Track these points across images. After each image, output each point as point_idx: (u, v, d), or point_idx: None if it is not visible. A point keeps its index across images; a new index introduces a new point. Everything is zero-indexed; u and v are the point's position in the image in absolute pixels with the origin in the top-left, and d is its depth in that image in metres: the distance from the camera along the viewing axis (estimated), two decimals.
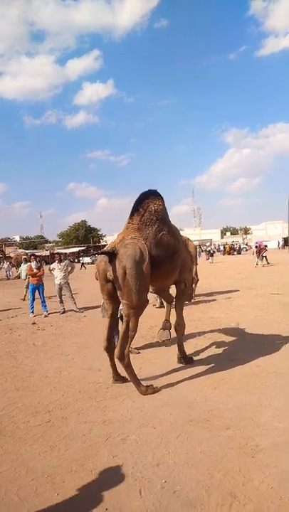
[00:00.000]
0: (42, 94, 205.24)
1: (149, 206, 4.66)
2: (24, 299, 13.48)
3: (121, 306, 4.68)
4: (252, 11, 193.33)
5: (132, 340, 4.46)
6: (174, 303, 5.62)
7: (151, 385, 4.48)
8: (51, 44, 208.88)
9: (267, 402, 3.96)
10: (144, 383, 4.52)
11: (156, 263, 4.46)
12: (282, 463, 2.88)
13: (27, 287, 13.92)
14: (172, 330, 5.66)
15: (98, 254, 4.52)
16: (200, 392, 4.31)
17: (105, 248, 4.63)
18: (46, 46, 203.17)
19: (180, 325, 5.39)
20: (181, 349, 5.42)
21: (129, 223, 4.64)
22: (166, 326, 5.80)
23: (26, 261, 15.44)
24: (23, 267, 14.82)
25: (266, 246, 27.48)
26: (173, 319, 5.58)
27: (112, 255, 4.32)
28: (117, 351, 4.37)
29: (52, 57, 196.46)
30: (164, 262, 4.60)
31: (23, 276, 14.70)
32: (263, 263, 24.02)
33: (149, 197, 4.75)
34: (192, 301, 7.77)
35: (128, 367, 4.38)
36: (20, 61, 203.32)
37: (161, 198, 4.88)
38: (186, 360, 5.40)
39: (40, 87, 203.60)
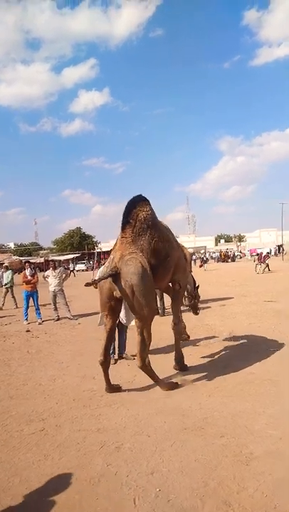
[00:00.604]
0: (37, 102, 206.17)
1: (138, 216, 4.63)
2: (1, 308, 13.57)
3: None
4: (246, 21, 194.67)
5: (148, 348, 4.60)
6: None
7: (175, 382, 4.78)
8: (47, 52, 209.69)
9: (261, 409, 3.96)
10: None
11: (153, 268, 4.53)
12: (277, 471, 2.88)
13: (4, 296, 13.98)
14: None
15: (103, 279, 4.52)
16: (194, 400, 4.31)
17: (106, 267, 4.69)
18: (42, 54, 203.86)
19: (177, 325, 5.44)
20: (177, 352, 5.46)
21: (122, 237, 4.62)
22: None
23: (7, 269, 15.42)
24: (5, 275, 14.88)
25: (268, 253, 27.96)
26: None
27: (116, 275, 4.38)
28: (138, 362, 4.49)
29: (47, 65, 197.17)
30: (158, 267, 4.69)
31: (4, 281, 14.80)
32: (262, 270, 24.34)
33: (136, 205, 4.70)
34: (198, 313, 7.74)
35: (150, 374, 4.57)
36: (15, 68, 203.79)
37: (148, 201, 4.85)
38: (180, 366, 5.42)
39: (35, 94, 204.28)
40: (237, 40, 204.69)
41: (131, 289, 4.25)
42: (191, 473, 2.90)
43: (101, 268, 5.27)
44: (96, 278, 4.82)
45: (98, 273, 6.09)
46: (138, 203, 4.75)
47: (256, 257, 27.44)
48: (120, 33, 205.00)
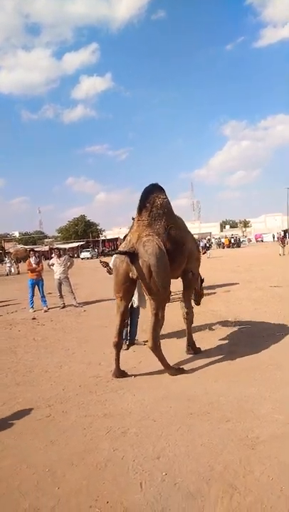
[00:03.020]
0: (39, 89, 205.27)
1: (155, 201, 4.80)
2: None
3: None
4: (249, 0, 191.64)
5: (160, 330, 4.64)
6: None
7: (181, 368, 4.83)
8: (47, 37, 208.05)
9: (267, 394, 3.96)
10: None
11: (169, 254, 4.60)
12: (283, 454, 2.88)
13: None
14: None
15: (119, 254, 4.59)
16: (200, 385, 4.32)
17: (122, 247, 4.71)
18: (42, 39, 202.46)
19: (188, 314, 5.53)
20: (189, 338, 5.57)
21: (138, 220, 4.74)
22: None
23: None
24: None
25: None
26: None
27: (133, 255, 4.42)
28: (150, 343, 4.52)
29: (48, 51, 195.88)
30: (174, 254, 4.78)
31: None
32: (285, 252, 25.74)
33: (154, 191, 4.88)
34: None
35: (160, 356, 4.59)
36: (16, 55, 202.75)
37: (164, 190, 5.02)
38: (194, 349, 5.54)
39: (36, 81, 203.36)
40: (240, 21, 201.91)
41: (148, 269, 4.32)
42: (197, 458, 2.91)
43: (113, 257, 5.29)
44: (114, 252, 4.88)
45: (112, 260, 6.09)
46: (155, 190, 4.93)
47: (279, 241, 29.22)
48: (121, 16, 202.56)
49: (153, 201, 4.78)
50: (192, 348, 5.55)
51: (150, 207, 4.74)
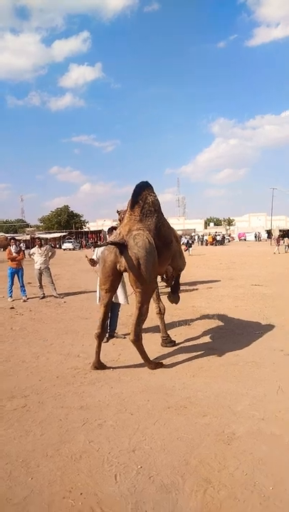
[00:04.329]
0: (26, 74, 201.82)
1: (147, 198, 4.91)
2: None
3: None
4: None
5: (143, 324, 4.64)
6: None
7: (160, 362, 4.85)
8: (37, 22, 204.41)
9: (244, 390, 4.00)
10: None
11: (157, 250, 4.67)
12: (258, 450, 2.91)
13: None
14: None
15: (109, 245, 4.55)
16: (178, 380, 4.32)
17: (113, 239, 4.70)
18: (32, 24, 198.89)
19: (174, 295, 6.20)
20: (164, 330, 5.74)
21: (131, 215, 4.80)
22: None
23: None
24: None
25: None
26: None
27: (122, 246, 4.43)
28: (132, 336, 4.51)
29: (38, 36, 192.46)
30: (162, 251, 4.88)
31: None
32: (280, 250, 27.72)
33: (145, 189, 5.00)
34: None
35: (141, 349, 4.60)
36: (3, 37, 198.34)
37: (153, 189, 5.15)
38: (169, 341, 5.71)
39: (24, 66, 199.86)
40: (234, 18, 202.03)
41: (137, 262, 4.35)
42: (173, 451, 2.92)
43: (100, 248, 5.29)
44: (103, 243, 4.85)
45: (95, 253, 6.06)
46: (146, 187, 5.06)
47: (275, 241, 32.18)
48: (114, 6, 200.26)
49: (145, 198, 4.87)
50: (167, 340, 5.69)
51: (142, 203, 4.82)
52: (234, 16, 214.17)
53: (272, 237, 41.57)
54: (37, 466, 2.78)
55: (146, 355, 4.66)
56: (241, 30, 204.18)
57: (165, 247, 5.04)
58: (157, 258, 4.64)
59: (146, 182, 5.11)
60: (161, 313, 5.77)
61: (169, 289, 6.53)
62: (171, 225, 6.26)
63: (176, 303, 6.31)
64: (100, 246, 4.72)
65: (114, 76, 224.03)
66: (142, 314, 4.53)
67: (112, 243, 4.49)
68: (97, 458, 2.86)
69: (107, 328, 6.09)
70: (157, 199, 5.09)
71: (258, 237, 63.09)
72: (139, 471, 2.68)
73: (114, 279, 4.68)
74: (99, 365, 4.70)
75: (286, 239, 31.46)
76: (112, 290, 4.77)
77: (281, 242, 30.43)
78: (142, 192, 4.90)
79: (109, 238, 4.95)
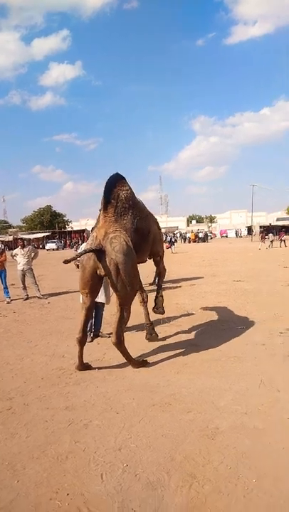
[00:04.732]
0: (6, 73, 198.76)
1: (119, 195, 4.74)
2: None
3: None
4: None
5: (124, 326, 4.64)
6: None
7: (145, 360, 4.88)
8: (16, 20, 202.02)
9: (227, 385, 4.07)
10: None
11: (136, 246, 4.63)
12: (241, 444, 2.97)
13: None
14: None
15: (87, 253, 4.48)
16: (162, 377, 4.37)
17: (89, 244, 4.63)
18: (11, 22, 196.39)
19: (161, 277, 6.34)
20: (147, 320, 5.89)
21: (105, 216, 4.67)
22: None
23: None
24: None
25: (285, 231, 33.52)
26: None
27: (100, 252, 4.37)
28: (114, 339, 4.50)
29: (17, 34, 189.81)
30: (141, 244, 4.91)
31: None
32: (266, 246, 28.84)
33: (116, 185, 4.81)
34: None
35: (124, 350, 4.60)
36: None
37: (125, 179, 4.98)
38: (152, 331, 5.84)
39: (3, 64, 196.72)
40: (212, 16, 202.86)
41: (115, 267, 4.29)
42: (159, 448, 2.95)
43: (83, 245, 5.24)
44: (78, 253, 4.75)
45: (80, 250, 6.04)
46: (117, 181, 4.86)
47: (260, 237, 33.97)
48: (93, 3, 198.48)
49: (117, 195, 4.72)
50: (150, 330, 5.85)
51: (115, 202, 4.68)
52: (212, 14, 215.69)
53: (253, 233, 42.40)
54: (23, 469, 2.79)
55: (130, 356, 4.67)
56: (219, 28, 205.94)
57: (143, 240, 5.07)
58: (136, 251, 4.61)
59: (117, 175, 4.94)
60: (144, 301, 5.85)
61: (152, 287, 6.58)
62: None
63: (163, 312, 6.29)
64: (78, 256, 4.61)
65: (94, 74, 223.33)
66: (123, 317, 4.51)
67: (89, 251, 4.43)
68: (83, 458, 2.88)
69: (92, 328, 6.10)
70: (130, 192, 4.91)
71: (238, 234, 63.79)
72: (125, 470, 2.71)
73: (94, 283, 4.64)
74: (83, 368, 4.70)
75: (270, 235, 31.96)
76: (93, 294, 4.72)
77: (266, 238, 30.94)
78: (113, 190, 4.74)
79: (86, 243, 4.89)
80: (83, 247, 5.74)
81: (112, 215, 4.64)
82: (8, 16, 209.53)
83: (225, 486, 2.51)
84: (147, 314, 5.84)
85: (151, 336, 5.75)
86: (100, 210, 4.84)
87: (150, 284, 10.53)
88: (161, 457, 2.84)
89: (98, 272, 4.50)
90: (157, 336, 5.82)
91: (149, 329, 5.80)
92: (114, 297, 4.73)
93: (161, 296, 6.24)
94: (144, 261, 5.73)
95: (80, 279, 4.65)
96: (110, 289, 5.44)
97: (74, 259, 4.68)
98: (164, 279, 11.54)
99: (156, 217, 6.14)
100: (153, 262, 6.23)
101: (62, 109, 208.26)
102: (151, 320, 5.90)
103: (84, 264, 4.56)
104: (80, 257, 4.58)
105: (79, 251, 4.77)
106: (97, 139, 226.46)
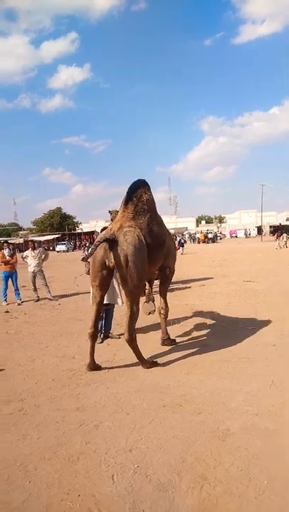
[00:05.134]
0: (15, 77, 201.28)
1: (141, 196, 4.89)
2: None
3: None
4: None
5: (135, 323, 4.65)
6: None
7: (155, 361, 4.86)
8: (25, 24, 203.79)
9: (238, 386, 4.04)
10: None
11: (148, 251, 4.63)
12: (252, 446, 2.95)
13: None
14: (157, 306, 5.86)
15: (100, 243, 4.50)
16: (173, 378, 4.36)
17: (103, 234, 4.66)
18: (20, 26, 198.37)
19: (164, 309, 5.65)
20: (164, 331, 5.66)
21: (124, 211, 4.79)
22: (150, 298, 5.92)
23: None
24: None
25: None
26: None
27: (112, 242, 4.43)
28: (126, 335, 4.54)
29: (26, 38, 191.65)
30: (153, 250, 4.81)
31: None
32: (281, 245, 28.65)
33: (141, 187, 4.98)
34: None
35: (135, 348, 4.63)
36: None
37: (150, 187, 5.13)
38: (169, 342, 5.62)
39: (13, 68, 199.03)
40: (220, 16, 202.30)
41: (125, 259, 4.33)
42: (169, 450, 2.95)
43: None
44: (92, 249, 4.66)
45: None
46: (142, 185, 5.04)
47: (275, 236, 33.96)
48: (101, 6, 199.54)
49: (140, 196, 4.87)
50: (167, 341, 5.61)
51: (136, 201, 4.81)
52: (220, 14, 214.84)
53: (263, 233, 42.11)
54: (35, 470, 2.80)
55: (141, 355, 4.69)
56: (227, 28, 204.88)
57: (157, 247, 4.97)
58: (148, 257, 4.61)
59: (144, 180, 5.11)
60: (162, 314, 5.66)
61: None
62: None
63: (150, 312, 5.93)
64: (94, 250, 4.59)
65: (102, 76, 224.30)
66: (132, 313, 4.54)
67: (102, 240, 4.46)
68: (94, 459, 2.89)
69: (102, 329, 6.12)
70: (152, 198, 5.09)
71: (247, 234, 63.40)
72: (136, 471, 2.72)
73: (104, 275, 4.66)
74: (93, 367, 4.72)
75: (285, 235, 31.37)
76: (103, 287, 4.76)
77: (281, 237, 30.45)
78: (137, 190, 4.90)
79: (101, 234, 4.90)
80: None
81: (131, 213, 4.74)
82: (18, 20, 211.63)
83: (236, 488, 2.49)
84: (165, 327, 5.68)
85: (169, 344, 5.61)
86: (109, 212, 4.87)
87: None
88: (172, 458, 2.84)
89: (107, 262, 4.53)
90: (176, 343, 5.66)
91: (166, 342, 5.60)
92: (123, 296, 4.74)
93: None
94: (152, 273, 5.48)
95: (91, 270, 4.71)
96: (120, 289, 5.43)
97: (91, 254, 4.67)
98: (174, 280, 11.51)
99: (166, 218, 6.14)
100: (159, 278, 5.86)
101: (71, 111, 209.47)
102: (168, 332, 5.72)
103: (94, 255, 4.61)
104: (96, 250, 4.57)
105: (90, 251, 4.76)
106: (105, 140, 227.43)
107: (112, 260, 4.46)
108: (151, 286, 5.99)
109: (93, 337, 4.72)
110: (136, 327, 4.72)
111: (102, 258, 4.55)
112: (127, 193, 4.85)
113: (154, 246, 4.84)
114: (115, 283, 5.78)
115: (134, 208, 4.78)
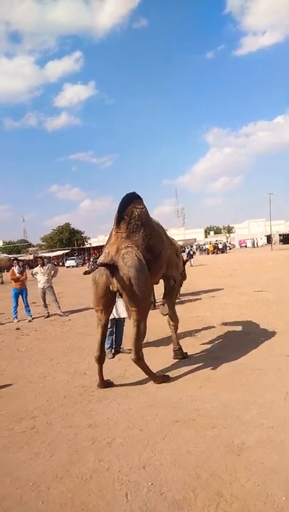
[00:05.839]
0: (22, 96, 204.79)
1: (133, 213, 4.74)
2: None
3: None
4: (229, 9, 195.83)
5: (142, 341, 4.63)
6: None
7: (166, 375, 4.83)
8: (30, 45, 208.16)
9: (252, 399, 3.97)
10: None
11: (147, 265, 4.57)
12: (268, 460, 2.89)
13: None
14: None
15: (99, 266, 4.48)
16: (185, 392, 4.30)
17: (102, 260, 4.59)
18: (25, 47, 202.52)
19: (174, 321, 5.63)
20: (176, 342, 5.61)
21: (117, 232, 4.68)
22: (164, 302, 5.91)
23: None
24: None
25: None
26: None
27: (113, 268, 4.38)
28: (133, 355, 4.48)
29: (31, 59, 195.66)
30: (151, 263, 4.74)
31: None
32: None
33: (131, 202, 4.83)
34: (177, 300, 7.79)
35: (144, 366, 4.56)
36: None
37: (141, 199, 5.00)
38: (181, 352, 5.57)
39: (19, 88, 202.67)
40: (220, 29, 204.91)
41: (128, 282, 4.29)
42: (184, 466, 2.90)
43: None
44: (93, 265, 4.69)
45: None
46: (132, 200, 4.88)
47: None
48: (104, 25, 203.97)
49: (131, 212, 4.72)
50: (179, 354, 5.55)
51: (128, 219, 4.68)
52: (220, 27, 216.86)
53: (273, 242, 41.78)
54: (47, 489, 2.77)
55: (150, 371, 4.63)
56: (228, 41, 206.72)
57: (156, 259, 4.91)
58: (149, 272, 4.55)
59: (132, 194, 4.97)
60: (173, 325, 5.68)
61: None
62: (172, 236, 6.24)
63: (167, 313, 5.86)
64: (90, 270, 4.60)
65: (107, 93, 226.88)
66: (140, 332, 4.49)
67: (101, 265, 4.43)
68: (107, 477, 2.85)
69: (113, 344, 6.09)
70: (145, 210, 4.91)
71: (254, 244, 63.05)
72: (150, 488, 2.67)
73: (108, 300, 4.64)
74: (104, 386, 4.68)
75: None
76: (107, 310, 4.74)
77: None
78: (128, 206, 4.75)
79: (99, 259, 4.88)
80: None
81: (125, 232, 4.63)
82: (22, 42, 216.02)
83: (254, 505, 2.43)
84: (176, 338, 5.64)
85: (178, 357, 5.56)
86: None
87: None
88: (187, 475, 2.78)
89: (111, 287, 4.49)
90: (187, 356, 5.62)
91: (178, 353, 5.56)
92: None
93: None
94: (157, 282, 5.52)
95: (94, 296, 4.66)
96: None
97: (93, 270, 4.66)
98: (184, 292, 11.44)
99: (174, 230, 6.09)
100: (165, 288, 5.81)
101: (77, 128, 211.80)
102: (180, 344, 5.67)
103: (97, 281, 4.56)
104: (97, 268, 4.55)
105: (90, 267, 4.77)
106: (112, 155, 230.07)
107: (116, 285, 4.42)
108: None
109: (100, 361, 4.65)
110: (146, 341, 4.68)
111: (105, 284, 4.50)
112: (118, 212, 4.72)
113: (152, 259, 4.77)
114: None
115: (127, 226, 4.65)
